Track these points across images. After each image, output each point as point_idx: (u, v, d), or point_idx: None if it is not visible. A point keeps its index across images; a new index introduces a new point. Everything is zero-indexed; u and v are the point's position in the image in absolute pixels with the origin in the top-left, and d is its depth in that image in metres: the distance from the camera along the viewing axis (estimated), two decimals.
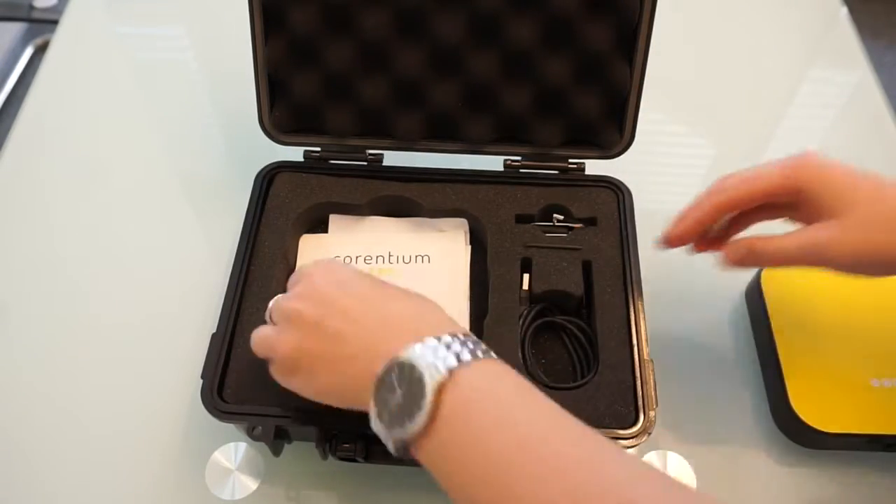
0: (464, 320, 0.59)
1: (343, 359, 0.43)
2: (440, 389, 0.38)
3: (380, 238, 0.64)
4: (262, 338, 0.48)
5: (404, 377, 0.39)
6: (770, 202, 0.52)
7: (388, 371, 0.40)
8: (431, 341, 0.40)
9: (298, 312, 0.45)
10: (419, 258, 0.63)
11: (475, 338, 0.42)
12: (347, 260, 0.62)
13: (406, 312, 0.44)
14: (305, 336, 0.45)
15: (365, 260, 0.62)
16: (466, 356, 0.40)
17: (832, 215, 0.47)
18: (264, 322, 0.57)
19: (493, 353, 0.42)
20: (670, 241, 0.55)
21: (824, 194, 0.48)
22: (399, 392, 0.39)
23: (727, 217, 0.54)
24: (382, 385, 0.40)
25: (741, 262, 0.52)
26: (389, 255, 0.63)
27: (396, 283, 0.48)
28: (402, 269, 0.62)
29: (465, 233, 0.64)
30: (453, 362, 0.39)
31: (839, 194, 0.48)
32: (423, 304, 0.45)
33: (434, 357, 0.39)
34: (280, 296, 0.49)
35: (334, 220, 0.65)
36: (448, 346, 0.40)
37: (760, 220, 0.54)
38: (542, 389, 0.53)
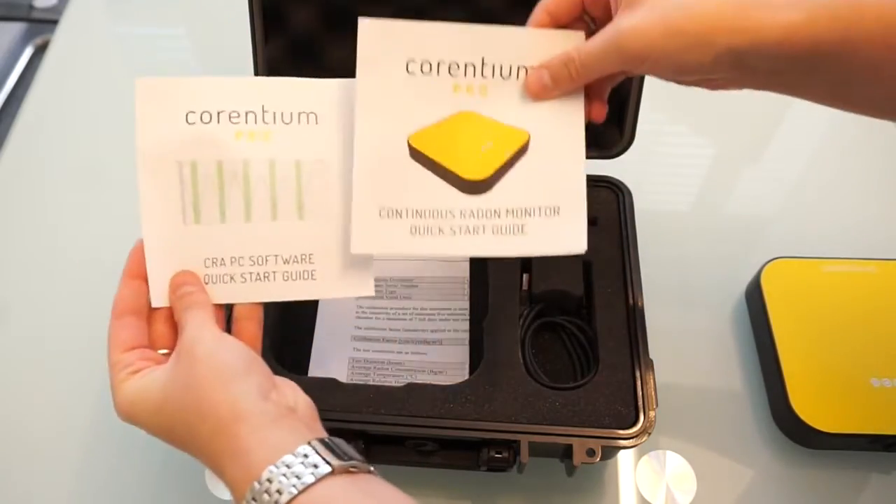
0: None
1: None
2: None
3: (251, 86, 0.46)
4: None
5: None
6: (588, 8, 0.45)
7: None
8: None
9: None
10: (303, 116, 0.46)
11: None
12: (205, 117, 0.44)
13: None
14: None
15: (230, 117, 0.45)
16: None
17: (631, 2, 0.41)
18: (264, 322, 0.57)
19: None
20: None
21: None
22: None
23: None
24: None
25: (555, 78, 0.44)
26: (263, 112, 0.46)
27: (487, 111, 0.42)
28: (278, 130, 0.46)
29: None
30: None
31: None
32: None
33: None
34: None
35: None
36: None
37: None
38: (542, 389, 0.53)
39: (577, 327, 0.59)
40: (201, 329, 0.41)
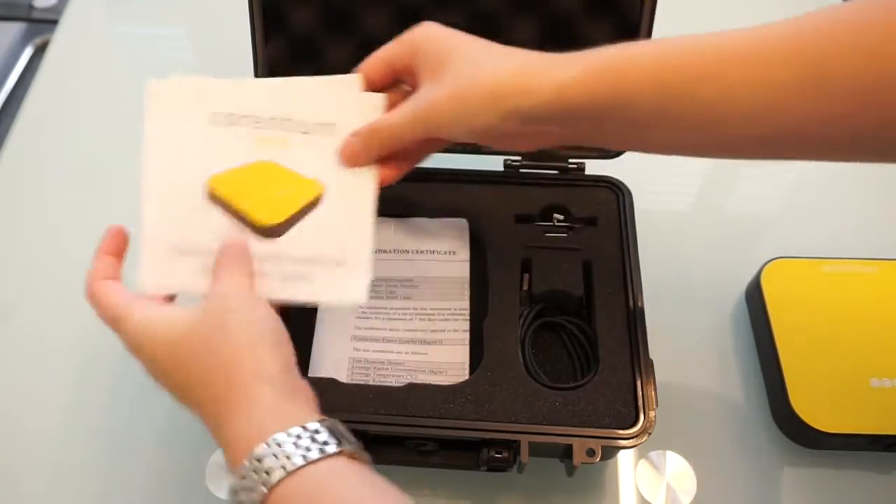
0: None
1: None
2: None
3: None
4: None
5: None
6: (399, 76, 0.48)
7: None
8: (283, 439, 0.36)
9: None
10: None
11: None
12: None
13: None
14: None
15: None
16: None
17: (435, 71, 0.44)
18: None
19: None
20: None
21: (430, 49, 0.45)
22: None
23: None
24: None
25: (366, 145, 0.47)
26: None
27: (287, 162, 0.45)
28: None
29: (466, 232, 0.64)
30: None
31: (440, 49, 0.44)
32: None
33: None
34: None
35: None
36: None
37: None
38: (542, 389, 0.53)
39: (577, 327, 0.59)
40: (239, 286, 0.42)
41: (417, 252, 0.63)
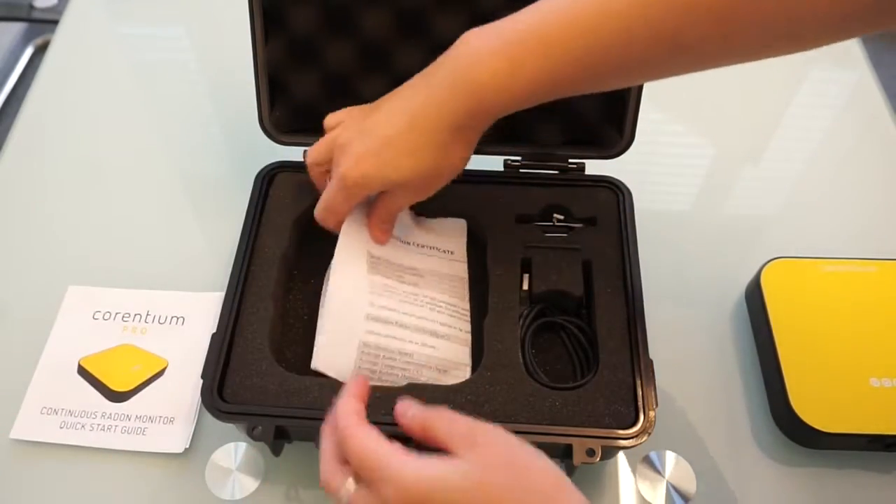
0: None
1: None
2: None
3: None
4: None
5: None
6: None
7: None
8: None
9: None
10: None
11: None
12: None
13: None
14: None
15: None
16: None
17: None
18: (264, 322, 0.57)
19: None
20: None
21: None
22: None
23: None
24: None
25: (324, 201, 0.56)
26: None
27: (143, 344, 0.62)
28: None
29: (464, 233, 0.64)
30: None
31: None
32: None
33: None
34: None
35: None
36: None
37: None
38: (542, 389, 0.53)
39: (577, 327, 0.59)
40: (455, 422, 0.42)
41: (419, 245, 0.63)
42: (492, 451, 0.40)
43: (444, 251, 0.63)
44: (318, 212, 0.57)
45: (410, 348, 0.55)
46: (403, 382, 0.54)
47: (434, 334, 0.56)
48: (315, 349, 0.54)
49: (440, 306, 0.58)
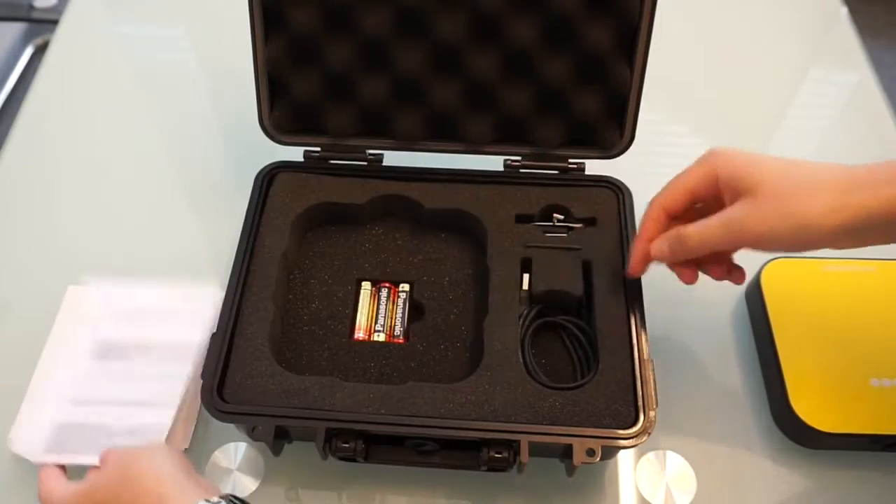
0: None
1: None
2: None
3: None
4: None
5: None
6: (698, 199, 0.54)
7: None
8: None
9: None
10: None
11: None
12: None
13: None
14: None
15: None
16: None
17: (746, 194, 0.49)
18: (264, 322, 0.57)
19: None
20: (634, 270, 0.57)
21: (736, 175, 0.51)
22: None
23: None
24: None
25: (672, 250, 0.53)
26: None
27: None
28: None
29: (216, 303, 0.60)
30: None
31: (748, 174, 0.50)
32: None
33: None
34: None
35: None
36: None
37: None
38: (542, 389, 0.53)
39: (577, 327, 0.59)
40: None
41: (159, 316, 0.63)
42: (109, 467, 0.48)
43: (188, 316, 0.62)
44: (673, 237, 0.53)
45: (108, 421, 0.57)
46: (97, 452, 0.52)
47: (140, 404, 0.57)
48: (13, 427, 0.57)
49: (151, 376, 0.59)
